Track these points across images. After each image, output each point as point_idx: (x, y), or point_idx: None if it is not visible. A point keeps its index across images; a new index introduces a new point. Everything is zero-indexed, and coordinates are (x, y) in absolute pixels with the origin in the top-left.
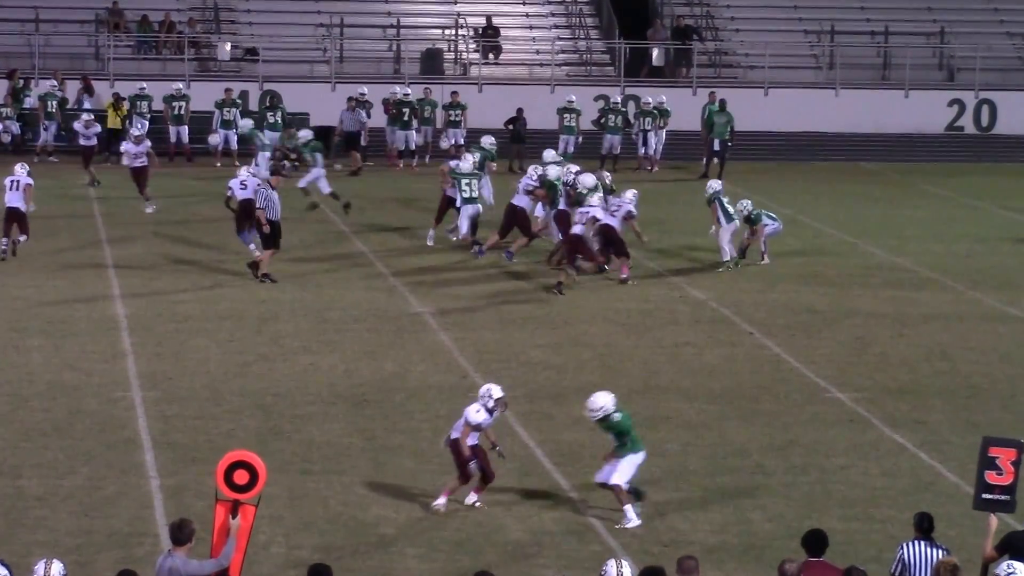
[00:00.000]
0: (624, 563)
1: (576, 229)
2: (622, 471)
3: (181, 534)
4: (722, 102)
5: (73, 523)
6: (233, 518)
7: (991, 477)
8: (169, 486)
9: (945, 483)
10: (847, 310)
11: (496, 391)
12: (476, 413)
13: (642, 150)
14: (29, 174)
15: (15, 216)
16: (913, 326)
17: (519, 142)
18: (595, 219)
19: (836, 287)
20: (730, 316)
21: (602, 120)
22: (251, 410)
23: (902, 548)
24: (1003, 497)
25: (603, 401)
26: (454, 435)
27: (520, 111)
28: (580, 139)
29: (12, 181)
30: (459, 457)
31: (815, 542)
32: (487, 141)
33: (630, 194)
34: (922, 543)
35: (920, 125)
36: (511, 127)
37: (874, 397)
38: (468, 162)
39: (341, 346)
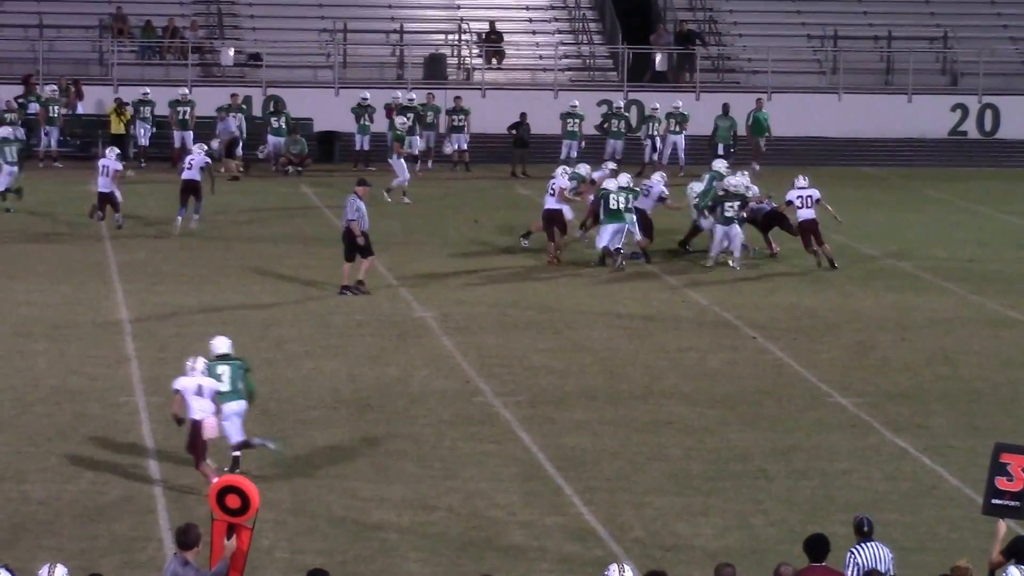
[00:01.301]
0: (626, 567)
1: (808, 213)
2: (234, 427)
3: (187, 538)
4: (725, 106)
5: (77, 528)
6: (228, 539)
7: (1001, 483)
8: (172, 491)
9: (947, 487)
10: (849, 314)
11: (200, 361)
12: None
13: (650, 155)
14: (118, 157)
15: (107, 199)
16: (915, 330)
17: (522, 147)
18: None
19: (838, 291)
20: (732, 320)
21: (605, 125)
22: (254, 415)
23: (853, 553)
24: (1013, 503)
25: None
26: (197, 416)
27: (523, 116)
28: (583, 144)
29: (103, 166)
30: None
31: (817, 547)
32: (398, 121)
33: (658, 176)
34: (869, 544)
35: (923, 130)
36: (514, 132)
37: (876, 401)
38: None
39: (344, 351)
